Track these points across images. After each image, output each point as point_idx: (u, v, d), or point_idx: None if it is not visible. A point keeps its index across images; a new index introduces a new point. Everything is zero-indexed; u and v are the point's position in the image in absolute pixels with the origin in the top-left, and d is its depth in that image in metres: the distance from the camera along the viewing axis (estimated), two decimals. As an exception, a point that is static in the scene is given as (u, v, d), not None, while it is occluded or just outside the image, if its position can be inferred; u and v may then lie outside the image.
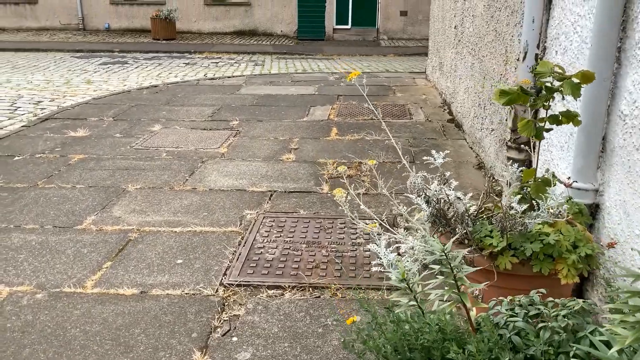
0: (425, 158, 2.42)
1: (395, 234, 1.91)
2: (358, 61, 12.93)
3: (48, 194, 3.66)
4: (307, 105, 6.40)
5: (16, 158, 4.40)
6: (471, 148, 4.74)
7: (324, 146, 4.81)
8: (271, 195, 3.69)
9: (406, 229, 2.03)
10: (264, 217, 3.32)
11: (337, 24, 19.18)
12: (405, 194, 3.73)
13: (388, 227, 2.09)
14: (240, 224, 3.24)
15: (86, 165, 4.23)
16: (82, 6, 18.46)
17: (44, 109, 6.55)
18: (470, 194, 2.25)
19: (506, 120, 3.44)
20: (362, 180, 3.96)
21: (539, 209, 2.02)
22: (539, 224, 1.97)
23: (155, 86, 7.63)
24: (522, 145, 3.12)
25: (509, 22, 3.73)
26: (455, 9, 5.79)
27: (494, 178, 4.01)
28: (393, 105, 6.38)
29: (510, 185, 2.20)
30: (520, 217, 1.97)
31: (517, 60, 3.48)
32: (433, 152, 2.23)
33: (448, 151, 2.55)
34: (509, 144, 3.23)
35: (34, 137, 5.00)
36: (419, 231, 1.99)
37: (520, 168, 2.17)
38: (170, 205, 3.50)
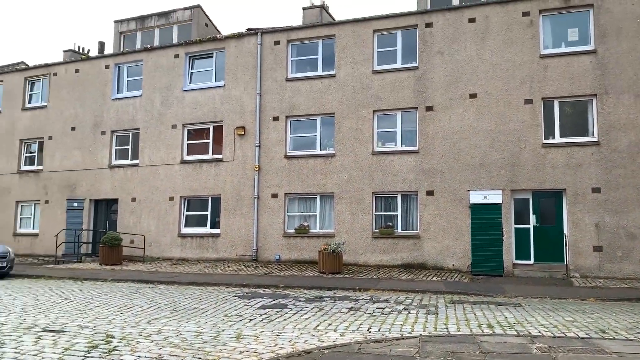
0: None
1: None
2: (554, 310, 10.51)
3: None
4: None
5: None
6: None
7: None
8: None
9: None
10: None
11: (516, 259, 17.12)
12: None
13: None
14: None
15: None
16: (258, 239, 19.48)
17: (178, 380, 5.51)
18: None
19: None
20: None
21: None
22: None
23: (308, 353, 6.31)
24: None
25: None
26: None
27: None
28: None
29: None
30: None
31: None
32: None
33: None
34: None
35: None
36: None
37: None
38: None
